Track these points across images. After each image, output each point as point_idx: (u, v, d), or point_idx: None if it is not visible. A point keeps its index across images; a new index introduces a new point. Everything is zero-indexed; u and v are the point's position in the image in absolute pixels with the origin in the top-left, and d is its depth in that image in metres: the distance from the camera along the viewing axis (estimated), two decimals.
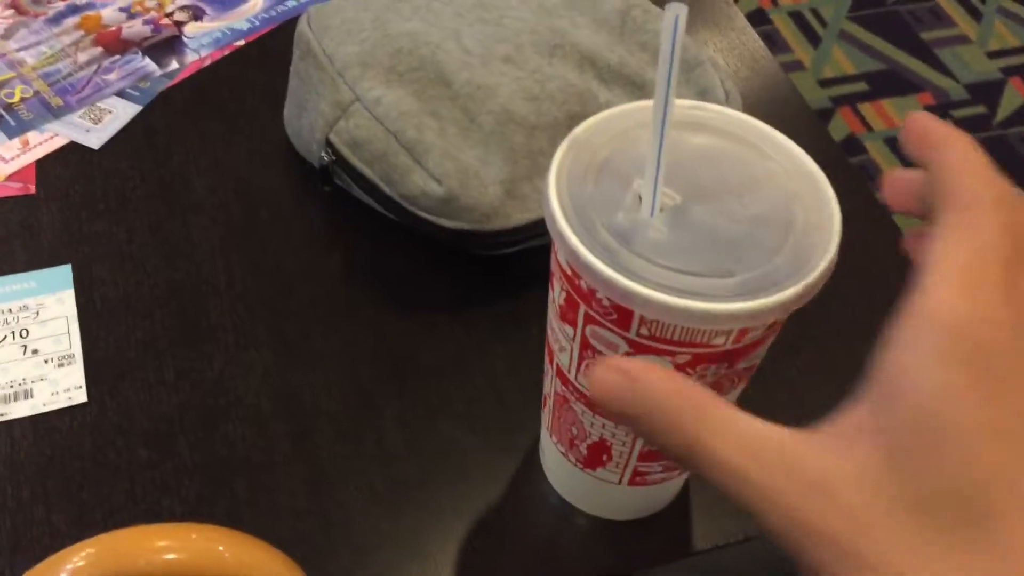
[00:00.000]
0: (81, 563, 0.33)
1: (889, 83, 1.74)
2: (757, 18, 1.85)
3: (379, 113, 0.49)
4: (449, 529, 0.43)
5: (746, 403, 0.27)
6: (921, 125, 0.26)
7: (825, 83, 1.73)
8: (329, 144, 0.50)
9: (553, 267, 0.33)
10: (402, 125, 0.48)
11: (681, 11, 0.27)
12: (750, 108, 0.57)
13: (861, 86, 1.73)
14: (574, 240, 0.29)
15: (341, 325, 0.49)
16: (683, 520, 0.43)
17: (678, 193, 0.31)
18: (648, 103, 0.33)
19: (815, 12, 1.86)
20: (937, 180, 0.25)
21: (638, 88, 0.54)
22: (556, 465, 0.42)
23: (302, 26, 0.53)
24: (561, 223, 0.29)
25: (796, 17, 1.85)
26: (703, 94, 0.55)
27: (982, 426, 0.22)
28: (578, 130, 0.32)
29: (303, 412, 0.46)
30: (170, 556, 0.34)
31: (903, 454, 0.22)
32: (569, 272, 0.31)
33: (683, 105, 0.33)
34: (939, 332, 0.23)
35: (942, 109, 1.68)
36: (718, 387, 0.33)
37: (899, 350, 0.23)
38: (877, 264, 0.52)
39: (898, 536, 0.22)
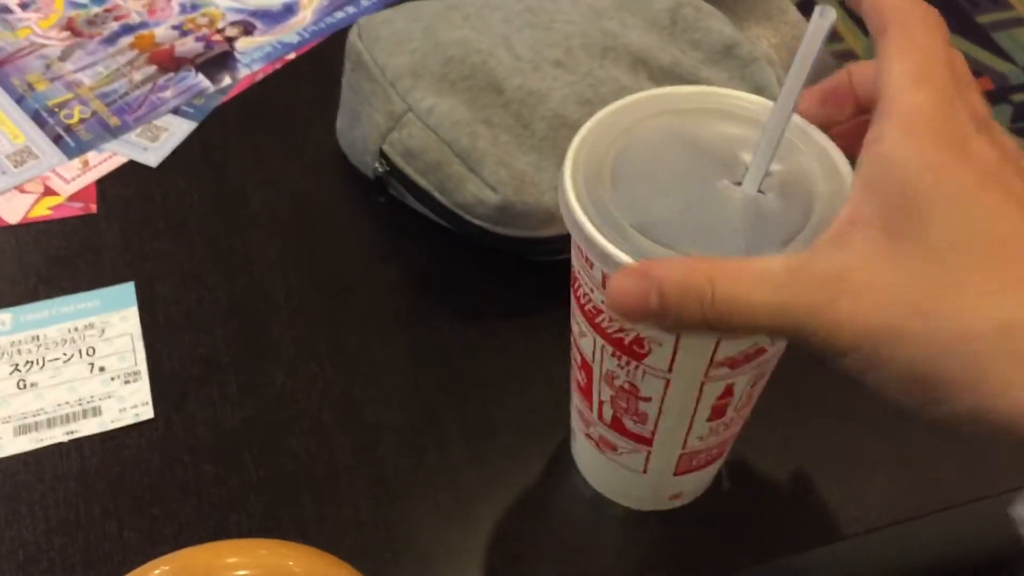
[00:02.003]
0: None
1: None
2: (807, 7, 1.82)
3: (432, 122, 0.48)
4: (514, 540, 0.42)
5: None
6: None
7: None
8: (383, 155, 0.50)
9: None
10: (455, 134, 0.48)
11: (830, 15, 0.28)
12: None
13: None
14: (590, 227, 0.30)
15: (399, 336, 0.49)
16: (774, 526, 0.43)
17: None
18: (647, 94, 0.34)
19: None
20: (872, 13, 0.28)
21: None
22: (586, 455, 0.43)
23: (352, 38, 0.53)
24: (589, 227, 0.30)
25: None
26: (759, 91, 0.54)
27: (970, 177, 0.25)
28: (582, 133, 0.33)
29: (365, 425, 0.46)
30: (241, 573, 0.34)
31: (900, 222, 0.25)
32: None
33: (718, 93, 0.34)
34: (907, 119, 0.26)
35: (1001, 93, 1.64)
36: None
37: (874, 146, 0.26)
38: None
39: (918, 296, 0.25)
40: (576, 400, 0.39)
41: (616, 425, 0.37)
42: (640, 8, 0.55)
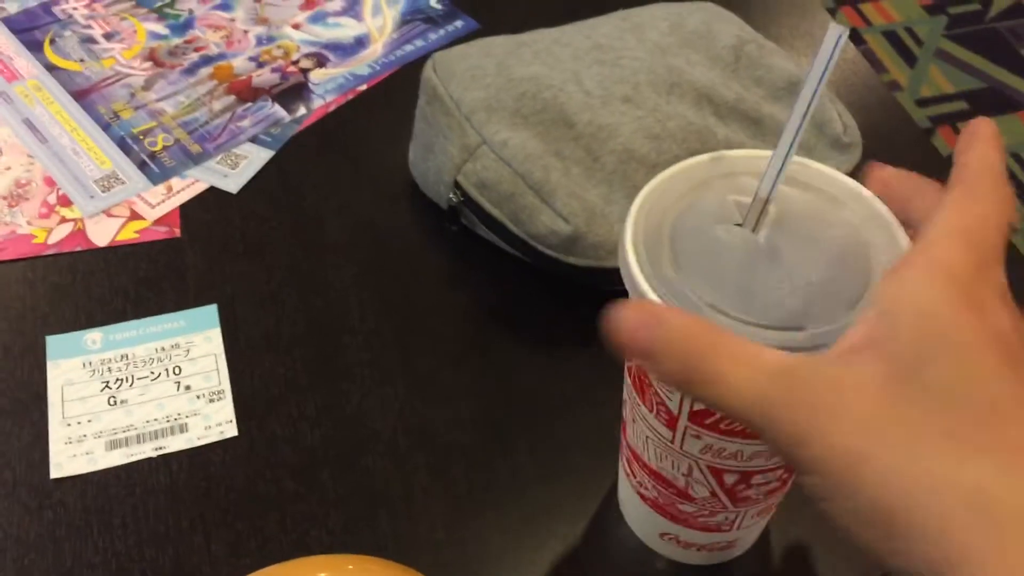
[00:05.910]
0: None
1: (989, 101, 1.70)
2: (850, 39, 1.82)
3: (506, 155, 0.50)
4: (585, 560, 0.44)
5: None
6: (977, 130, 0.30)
7: (923, 103, 1.70)
8: (457, 185, 0.52)
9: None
10: (529, 167, 0.50)
11: (844, 33, 0.29)
12: (863, 135, 0.57)
13: (960, 105, 1.69)
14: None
15: (471, 360, 0.51)
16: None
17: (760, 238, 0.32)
18: (707, 156, 0.35)
19: (910, 31, 1.83)
20: (957, 166, 0.29)
21: (755, 123, 0.54)
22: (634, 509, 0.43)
23: (428, 72, 0.55)
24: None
25: (890, 36, 1.82)
26: (821, 127, 0.55)
27: (980, 337, 0.25)
28: (644, 193, 0.34)
29: (438, 445, 0.47)
30: None
31: (906, 361, 0.25)
32: None
33: (762, 157, 0.33)
34: (939, 266, 0.26)
35: None
36: None
37: (900, 282, 0.26)
38: None
39: (903, 435, 0.24)
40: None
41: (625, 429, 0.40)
42: (704, 45, 0.57)
